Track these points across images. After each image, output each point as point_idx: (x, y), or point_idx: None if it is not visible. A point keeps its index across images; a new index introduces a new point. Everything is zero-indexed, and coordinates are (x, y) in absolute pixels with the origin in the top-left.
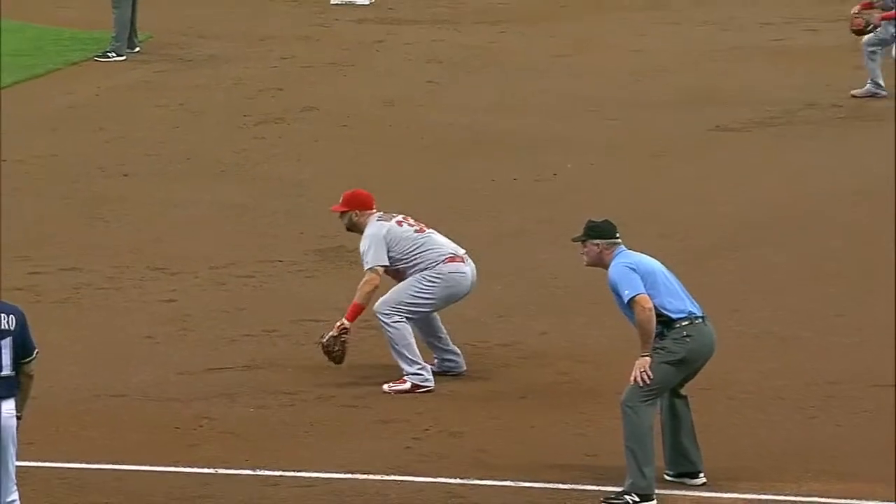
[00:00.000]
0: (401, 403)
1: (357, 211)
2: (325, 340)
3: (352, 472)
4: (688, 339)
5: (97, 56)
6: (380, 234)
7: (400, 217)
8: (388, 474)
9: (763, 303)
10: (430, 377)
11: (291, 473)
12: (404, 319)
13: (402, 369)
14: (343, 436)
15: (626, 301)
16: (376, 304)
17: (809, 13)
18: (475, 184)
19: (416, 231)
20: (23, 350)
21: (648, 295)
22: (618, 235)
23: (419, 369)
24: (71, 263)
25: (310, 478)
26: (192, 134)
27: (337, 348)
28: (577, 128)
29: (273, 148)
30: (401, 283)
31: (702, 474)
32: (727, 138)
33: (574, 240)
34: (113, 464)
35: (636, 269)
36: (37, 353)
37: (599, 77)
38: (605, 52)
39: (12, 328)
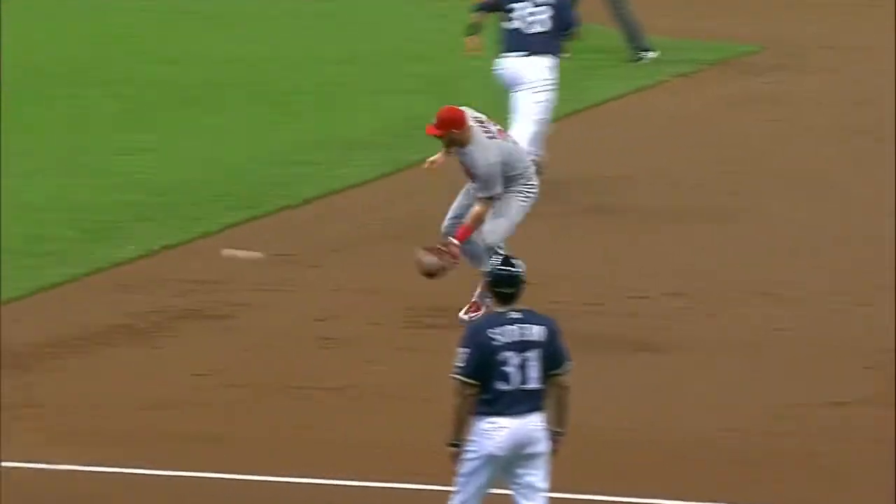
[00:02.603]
0: None
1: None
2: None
3: None
4: None
5: (632, 60)
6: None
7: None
8: None
9: None
10: None
11: None
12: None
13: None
14: None
15: None
16: (489, 237)
17: None
18: None
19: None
20: (552, 362)
21: None
22: None
23: None
24: (675, 288)
25: None
26: (790, 148)
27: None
28: None
29: (867, 166)
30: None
31: None
32: None
33: None
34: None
35: None
36: (569, 364)
37: None
38: None
39: (542, 339)
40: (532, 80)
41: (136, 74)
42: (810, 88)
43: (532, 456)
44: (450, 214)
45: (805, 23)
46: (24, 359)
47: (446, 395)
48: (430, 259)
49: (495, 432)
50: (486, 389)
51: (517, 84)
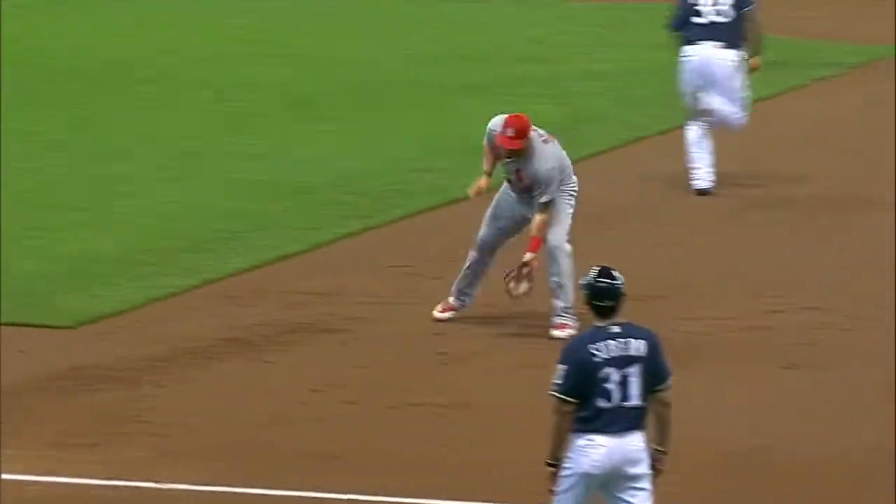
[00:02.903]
0: None
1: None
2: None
3: None
4: None
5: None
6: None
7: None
8: None
9: None
10: None
11: None
12: None
13: (562, 308)
14: None
15: None
16: (554, 238)
17: None
18: None
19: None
20: (653, 377)
21: None
22: None
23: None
24: (813, 302)
25: None
26: None
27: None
28: None
29: None
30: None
31: None
32: None
33: None
34: None
35: None
36: (671, 379)
37: None
38: None
39: (643, 354)
40: (722, 80)
41: (249, 78)
42: None
43: (633, 476)
44: (484, 231)
45: None
46: (131, 373)
47: None
48: (522, 286)
49: (592, 450)
50: (586, 406)
51: (707, 81)
